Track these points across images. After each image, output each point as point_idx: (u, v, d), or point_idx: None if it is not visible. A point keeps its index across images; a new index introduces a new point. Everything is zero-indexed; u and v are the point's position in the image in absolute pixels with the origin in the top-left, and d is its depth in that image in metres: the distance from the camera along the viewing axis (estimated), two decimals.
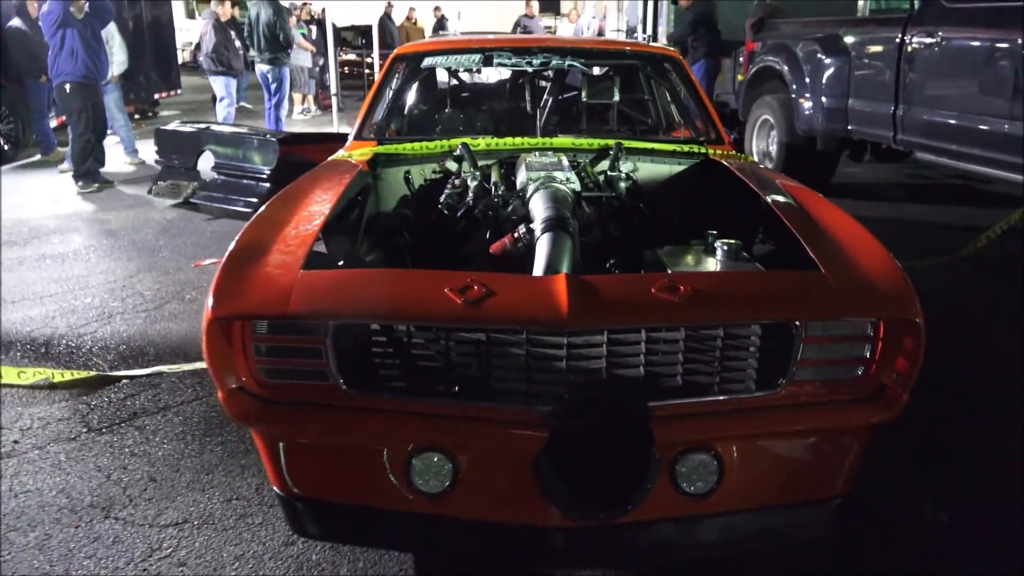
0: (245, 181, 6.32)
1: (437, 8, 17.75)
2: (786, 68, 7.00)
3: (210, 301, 1.78)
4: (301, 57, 12.54)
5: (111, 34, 8.40)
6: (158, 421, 3.19)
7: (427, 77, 4.52)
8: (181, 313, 4.38)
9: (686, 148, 3.27)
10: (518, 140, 3.27)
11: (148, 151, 8.10)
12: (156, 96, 12.99)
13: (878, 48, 6.11)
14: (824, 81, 6.56)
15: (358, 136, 3.45)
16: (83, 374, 3.56)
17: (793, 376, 1.83)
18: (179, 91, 13.72)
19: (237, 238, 2.08)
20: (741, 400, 1.85)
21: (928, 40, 5.50)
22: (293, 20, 11.58)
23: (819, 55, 6.64)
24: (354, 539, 2.22)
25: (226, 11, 9.74)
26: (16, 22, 8.92)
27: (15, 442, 3.04)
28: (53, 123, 9.59)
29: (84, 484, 2.76)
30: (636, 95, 4.44)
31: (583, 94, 3.88)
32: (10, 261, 5.34)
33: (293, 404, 1.86)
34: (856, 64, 6.36)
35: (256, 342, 1.83)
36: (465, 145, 3.11)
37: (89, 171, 7.61)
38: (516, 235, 2.44)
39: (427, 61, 3.90)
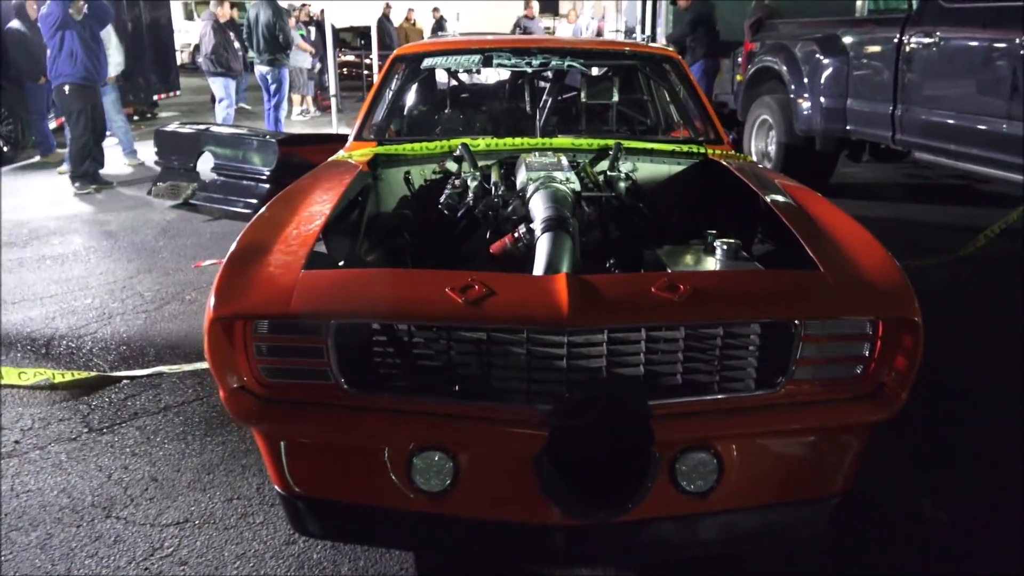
0: (245, 182, 6.33)
1: (436, 9, 17.75)
2: (785, 68, 7.01)
3: (212, 301, 1.79)
4: (300, 58, 12.56)
5: (108, 35, 8.41)
6: (159, 421, 3.20)
7: (427, 78, 4.53)
8: (181, 314, 4.39)
9: (685, 148, 3.28)
10: (518, 140, 3.28)
11: (147, 152, 8.11)
12: (155, 97, 13.01)
13: (876, 48, 6.12)
14: (822, 81, 6.58)
15: (358, 137, 3.46)
16: (84, 374, 3.56)
17: (792, 375, 1.84)
18: (178, 92, 13.74)
19: (238, 238, 2.09)
20: (741, 399, 1.85)
21: (926, 40, 5.51)
22: (292, 21, 11.58)
23: (817, 55, 6.65)
24: (355, 538, 2.22)
25: (225, 12, 9.75)
26: (15, 24, 8.93)
27: (16, 442, 3.04)
28: (52, 124, 9.60)
29: (85, 484, 2.76)
30: (635, 95, 4.45)
31: (582, 94, 3.89)
32: (10, 262, 5.35)
33: (294, 403, 1.87)
34: (854, 64, 6.37)
35: (258, 342, 1.83)
36: (465, 146, 3.11)
37: (87, 172, 7.62)
38: (516, 235, 2.45)
39: (427, 62, 3.91)
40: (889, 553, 2.43)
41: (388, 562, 2.34)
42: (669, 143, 3.38)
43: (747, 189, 2.68)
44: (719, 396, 1.85)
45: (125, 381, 3.55)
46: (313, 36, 13.80)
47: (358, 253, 2.69)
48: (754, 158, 7.01)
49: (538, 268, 2.12)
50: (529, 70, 3.81)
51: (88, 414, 3.26)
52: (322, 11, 13.27)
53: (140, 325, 4.22)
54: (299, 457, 1.93)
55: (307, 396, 1.86)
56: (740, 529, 1.95)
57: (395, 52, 4.02)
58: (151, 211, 6.81)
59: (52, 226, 6.39)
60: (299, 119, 13.04)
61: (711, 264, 2.29)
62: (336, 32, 12.26)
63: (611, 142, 3.20)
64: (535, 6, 13.27)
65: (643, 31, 11.61)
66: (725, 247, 2.25)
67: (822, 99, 6.58)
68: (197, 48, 11.80)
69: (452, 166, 3.20)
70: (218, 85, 9.73)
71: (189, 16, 22.57)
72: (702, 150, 3.25)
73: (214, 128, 7.30)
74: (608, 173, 3.08)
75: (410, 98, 4.35)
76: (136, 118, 12.14)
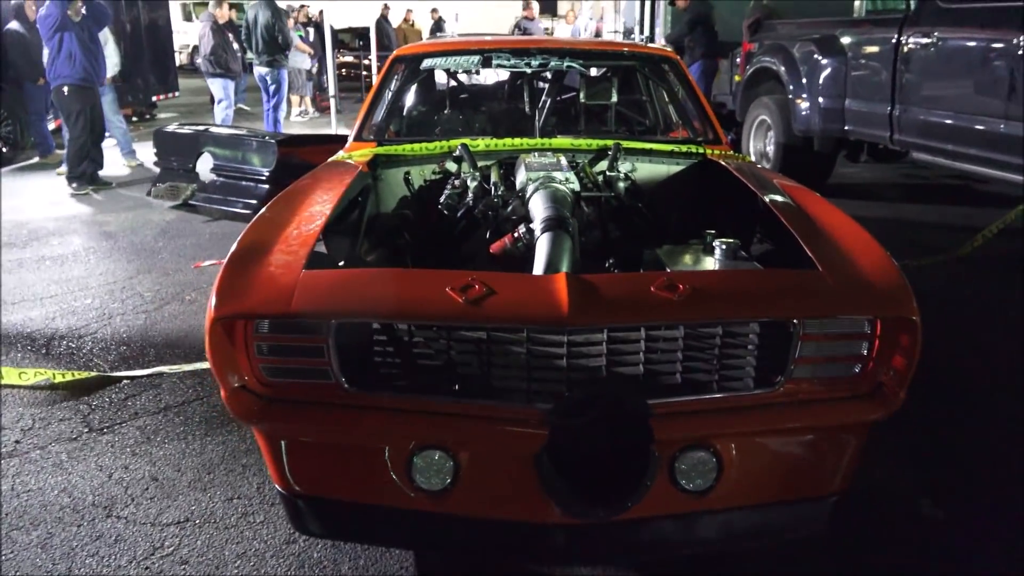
0: (244, 183, 6.31)
1: (434, 10, 17.76)
2: (783, 69, 7.03)
3: (213, 301, 1.79)
4: (299, 59, 12.56)
5: (105, 36, 8.41)
6: (159, 421, 3.20)
7: (426, 78, 4.54)
8: (181, 314, 4.39)
9: (684, 148, 3.29)
10: (517, 141, 3.29)
11: (146, 153, 8.11)
12: (154, 98, 13.01)
13: (874, 49, 6.14)
14: (821, 82, 6.59)
15: (358, 137, 3.46)
16: (84, 375, 3.57)
17: (791, 374, 1.85)
18: (177, 93, 13.74)
19: (239, 238, 2.09)
20: (740, 398, 1.86)
21: (924, 40, 5.52)
22: (291, 22, 11.59)
23: (816, 56, 6.66)
24: (355, 537, 2.23)
25: (224, 13, 9.75)
26: (14, 25, 8.93)
27: (17, 442, 3.05)
28: (51, 126, 9.60)
29: (86, 483, 2.77)
30: (634, 96, 4.46)
31: (581, 95, 3.90)
32: (10, 263, 5.35)
33: (295, 403, 1.87)
34: (853, 65, 6.38)
35: (258, 341, 1.84)
36: (464, 146, 3.12)
37: (84, 173, 7.63)
38: (516, 235, 2.45)
39: (426, 63, 3.92)
40: (888, 552, 2.44)
41: (388, 561, 2.34)
42: (668, 143, 3.39)
43: (746, 189, 2.69)
44: (718, 395, 1.86)
45: (125, 381, 3.55)
46: (312, 37, 13.81)
47: (358, 253, 2.69)
48: (752, 158, 7.02)
49: (538, 268, 2.13)
50: (528, 71, 3.82)
51: (88, 414, 3.26)
52: (321, 12, 13.30)
53: (140, 325, 4.23)
54: (300, 456, 1.94)
55: (308, 395, 1.87)
56: (739, 528, 1.96)
57: (395, 53, 4.03)
58: (150, 212, 6.81)
59: (51, 227, 6.39)
60: (298, 120, 13.05)
61: (710, 264, 2.29)
62: (335, 33, 12.28)
63: (610, 142, 3.21)
64: (535, 7, 13.26)
65: (641, 32, 11.61)
66: (724, 247, 2.26)
67: (820, 99, 6.59)
68: (196, 49, 11.80)
69: (452, 166, 3.21)
70: (217, 86, 9.73)
71: (188, 17, 22.58)
72: (701, 150, 3.26)
73: (213, 129, 7.29)
74: (607, 173, 3.09)
75: (410, 99, 4.36)
76: (135, 119, 12.15)
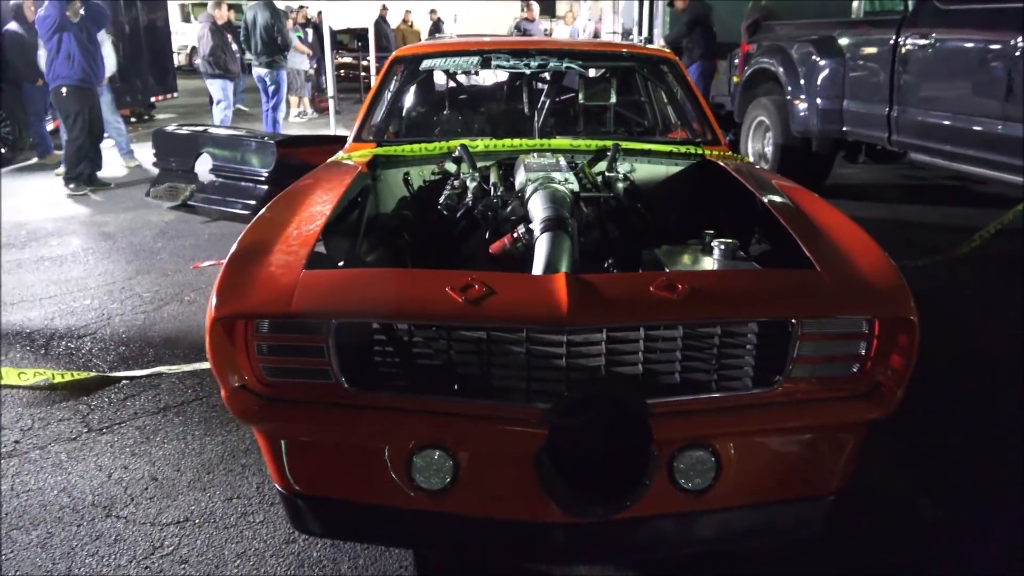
0: (243, 183, 6.30)
1: (433, 11, 17.78)
2: (781, 70, 7.04)
3: (213, 301, 1.80)
4: (297, 60, 12.56)
5: (102, 36, 8.41)
6: (158, 421, 3.21)
7: (425, 79, 4.54)
8: (180, 314, 4.40)
9: (683, 149, 3.30)
10: (516, 142, 3.29)
11: (145, 154, 8.11)
12: (152, 99, 13.01)
13: (872, 50, 6.15)
14: (819, 83, 6.60)
15: (357, 138, 3.47)
16: (83, 375, 3.57)
17: (789, 373, 1.86)
18: (175, 94, 13.74)
19: (239, 239, 2.10)
20: (738, 397, 1.87)
21: (922, 42, 5.53)
22: (289, 23, 11.59)
23: (814, 57, 6.67)
24: (355, 536, 2.24)
25: (222, 14, 9.75)
26: (13, 26, 8.93)
27: (16, 442, 3.05)
28: (50, 126, 9.60)
29: (85, 483, 2.77)
30: (633, 97, 4.46)
31: (580, 96, 3.91)
32: (9, 263, 5.35)
33: (295, 402, 1.88)
34: (851, 66, 6.39)
35: (259, 341, 1.85)
36: (464, 147, 3.13)
37: (81, 174, 7.63)
38: (515, 235, 2.46)
39: (426, 63, 3.92)
40: (888, 552, 2.45)
41: (388, 560, 2.35)
42: (667, 144, 3.39)
43: (744, 190, 2.70)
44: (717, 395, 1.87)
45: (124, 381, 3.56)
46: (310, 38, 13.81)
47: (358, 254, 2.70)
48: (751, 159, 7.03)
49: (537, 268, 2.14)
50: (527, 72, 3.83)
51: (88, 414, 3.26)
52: (319, 13, 13.30)
53: (139, 326, 4.23)
54: (299, 456, 1.94)
55: (308, 395, 1.88)
56: (738, 527, 1.97)
57: (394, 54, 4.04)
58: (149, 212, 6.81)
59: (50, 227, 6.39)
60: (296, 121, 13.05)
61: (709, 264, 2.30)
62: (333, 34, 12.29)
63: (609, 143, 3.21)
64: (535, 8, 13.25)
65: (640, 33, 11.63)
66: (723, 247, 2.26)
67: (818, 100, 6.60)
68: (194, 50, 11.80)
69: (451, 167, 3.21)
70: (216, 87, 9.73)
71: (186, 18, 22.58)
72: (699, 151, 3.27)
73: (212, 130, 7.29)
74: (606, 174, 3.09)
75: (409, 100, 4.36)
76: (133, 120, 12.15)
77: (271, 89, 9.84)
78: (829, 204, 2.48)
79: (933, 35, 5.43)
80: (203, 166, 6.72)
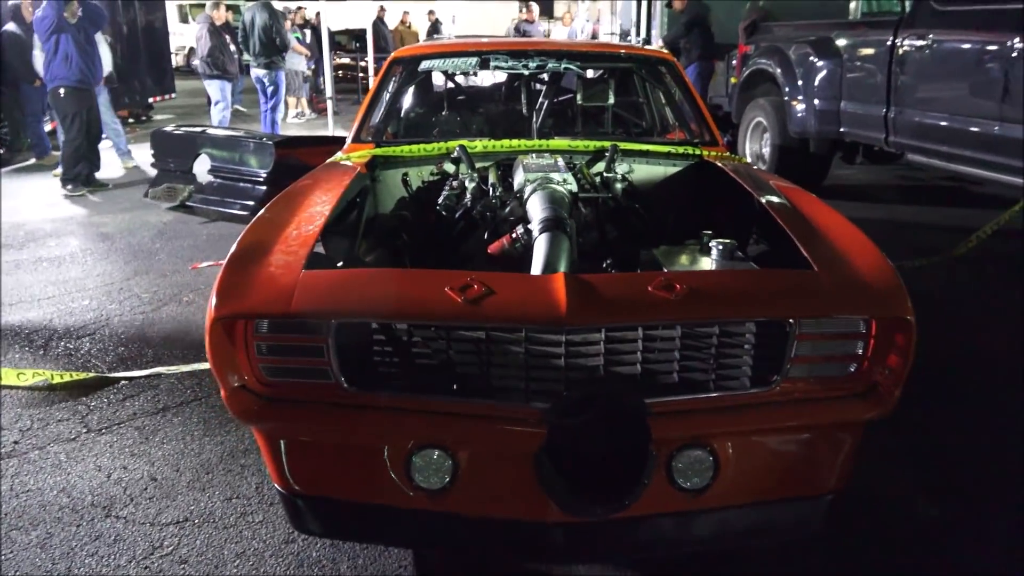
0: (241, 184, 6.31)
1: (431, 12, 17.79)
2: (779, 71, 7.05)
3: (213, 301, 1.80)
4: (295, 61, 12.56)
5: (98, 37, 8.40)
6: (157, 421, 3.21)
7: (424, 80, 4.55)
8: (179, 315, 4.40)
9: (681, 150, 3.30)
10: (515, 142, 3.30)
11: (142, 155, 8.11)
12: (150, 100, 13.00)
13: (870, 51, 6.16)
14: (816, 84, 6.61)
15: (356, 139, 3.47)
16: (82, 375, 3.57)
17: (787, 373, 1.86)
18: (173, 95, 13.74)
19: (239, 239, 2.10)
20: (736, 397, 1.88)
21: (919, 43, 5.55)
22: (288, 24, 11.60)
23: (811, 58, 6.69)
24: (354, 536, 2.24)
25: (221, 15, 9.75)
26: (11, 26, 8.92)
27: (15, 442, 3.05)
28: (47, 127, 9.59)
29: (84, 484, 2.77)
30: (631, 98, 4.47)
31: (579, 97, 3.91)
32: (7, 264, 5.35)
33: (295, 402, 1.89)
34: (848, 67, 6.41)
35: (258, 341, 1.85)
36: (463, 147, 3.13)
37: (79, 175, 7.63)
38: (514, 235, 2.47)
39: (424, 64, 3.93)
40: (887, 552, 2.45)
41: (387, 560, 2.35)
42: (665, 145, 3.40)
43: (742, 190, 2.71)
44: (715, 394, 1.87)
45: (123, 382, 3.56)
46: (308, 39, 13.81)
47: (357, 254, 2.70)
48: (748, 160, 7.04)
49: (536, 268, 2.14)
50: (526, 72, 3.84)
51: (87, 415, 3.27)
52: (318, 14, 13.29)
53: (138, 326, 4.23)
54: (299, 455, 1.95)
55: (307, 395, 1.88)
56: (736, 526, 1.97)
57: (393, 55, 4.04)
58: (147, 213, 6.81)
59: (48, 228, 6.39)
60: (294, 122, 13.04)
61: (707, 264, 2.31)
62: (331, 35, 12.28)
63: (607, 144, 3.22)
64: (535, 9, 13.25)
65: (638, 34, 11.64)
66: (721, 247, 2.27)
67: (816, 101, 6.62)
68: (192, 51, 11.80)
69: (450, 168, 3.22)
70: (214, 88, 9.73)
71: (184, 19, 22.55)
72: (697, 152, 3.28)
73: (211, 130, 7.29)
74: (605, 174, 3.10)
75: (407, 100, 4.37)
76: (131, 121, 12.15)
77: (270, 90, 9.84)
78: (826, 204, 2.49)
79: (930, 36, 5.45)
80: (201, 167, 6.72)
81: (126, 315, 4.40)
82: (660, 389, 1.85)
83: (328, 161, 3.20)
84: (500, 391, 1.83)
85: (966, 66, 5.26)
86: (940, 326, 3.86)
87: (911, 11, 5.76)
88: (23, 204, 7.24)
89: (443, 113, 4.35)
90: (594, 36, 17.30)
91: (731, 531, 1.99)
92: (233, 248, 2.04)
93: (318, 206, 2.43)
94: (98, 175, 8.00)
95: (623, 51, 4.34)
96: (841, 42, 6.50)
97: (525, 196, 2.64)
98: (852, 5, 7.94)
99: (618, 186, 3.04)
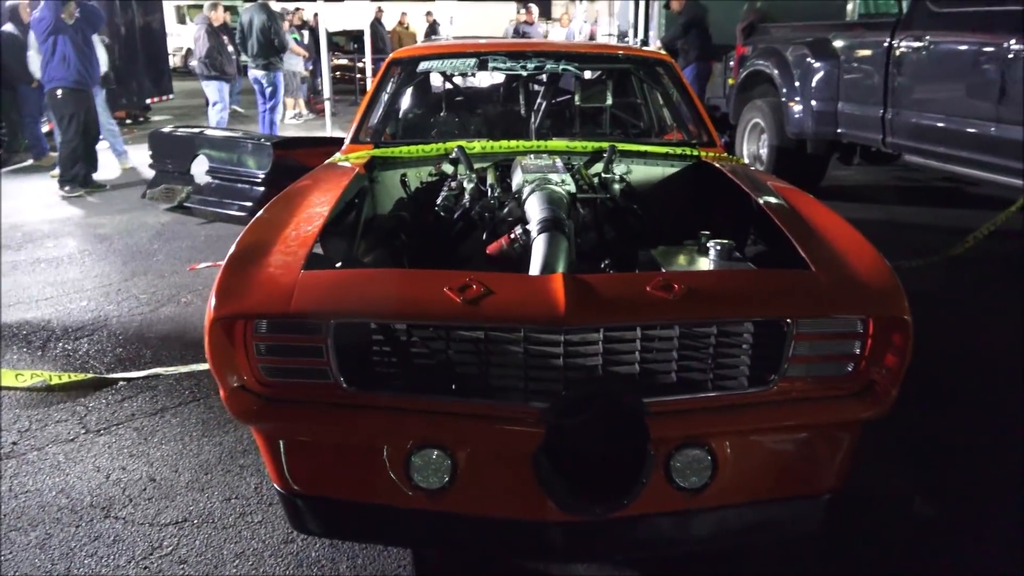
0: (240, 185, 6.29)
1: (429, 13, 17.79)
2: (776, 72, 7.06)
3: (212, 301, 1.80)
4: (293, 62, 12.56)
5: (94, 39, 8.40)
6: (156, 422, 3.21)
7: (422, 81, 4.55)
8: (177, 316, 4.40)
9: (679, 151, 3.31)
10: (513, 143, 3.31)
11: (140, 156, 8.10)
12: (148, 101, 13.00)
13: (867, 52, 6.17)
14: (814, 85, 6.62)
15: (354, 140, 3.47)
16: (80, 376, 3.57)
17: (785, 372, 1.87)
18: (171, 96, 13.75)
19: (238, 240, 2.10)
20: (734, 396, 1.88)
21: (916, 44, 5.56)
22: (286, 25, 11.59)
23: (809, 59, 6.70)
24: (354, 535, 2.25)
25: (218, 16, 9.75)
26: (9, 27, 8.91)
27: (14, 443, 3.05)
28: (45, 128, 9.58)
29: (83, 484, 2.78)
30: (629, 99, 4.48)
31: (577, 98, 3.92)
32: (5, 265, 5.35)
33: (294, 402, 1.89)
34: (845, 68, 6.42)
35: (258, 341, 1.86)
36: (461, 148, 3.13)
37: (76, 176, 7.62)
38: (513, 236, 2.47)
39: (423, 65, 3.93)
40: (886, 552, 2.46)
41: (386, 560, 2.36)
42: (663, 146, 3.41)
43: (740, 191, 2.71)
44: (713, 394, 1.88)
45: (122, 383, 3.56)
46: (306, 40, 13.81)
47: (355, 255, 2.70)
48: (746, 161, 7.05)
49: (534, 268, 2.15)
50: (524, 73, 3.84)
51: (85, 415, 3.27)
52: (315, 15, 13.29)
53: (136, 327, 4.23)
54: (298, 455, 1.95)
55: (307, 395, 1.89)
56: (734, 525, 1.98)
57: (391, 55, 4.05)
58: (145, 214, 6.80)
59: (46, 229, 6.39)
60: (292, 122, 13.04)
61: (705, 264, 2.31)
62: (329, 36, 12.28)
63: (605, 145, 3.23)
64: (535, 10, 13.26)
65: (636, 35, 11.65)
66: (718, 247, 2.28)
67: (813, 102, 6.63)
68: (190, 52, 11.80)
69: (448, 168, 3.22)
70: (212, 89, 9.73)
71: (181, 20, 22.55)
72: (695, 152, 3.28)
73: (208, 131, 7.29)
74: (603, 175, 3.11)
75: (406, 101, 4.38)
76: (128, 122, 12.14)
77: (268, 91, 9.84)
78: (824, 205, 2.50)
79: (927, 37, 5.46)
80: (199, 168, 6.71)
81: (124, 316, 4.40)
82: (658, 389, 1.86)
83: (326, 162, 3.20)
84: (499, 391, 1.83)
85: (963, 67, 5.27)
86: (937, 326, 3.86)
87: (908, 12, 5.78)
88: (21, 205, 7.23)
89: (441, 114, 4.35)
90: (592, 37, 17.31)
91: (729, 530, 1.99)
92: (232, 249, 2.04)
93: (317, 207, 2.44)
94: (95, 176, 8.00)
95: (621, 52, 4.34)
96: (838, 43, 6.52)
97: (523, 197, 2.65)
98: (849, 6, 7.97)
99: (616, 187, 3.05)
